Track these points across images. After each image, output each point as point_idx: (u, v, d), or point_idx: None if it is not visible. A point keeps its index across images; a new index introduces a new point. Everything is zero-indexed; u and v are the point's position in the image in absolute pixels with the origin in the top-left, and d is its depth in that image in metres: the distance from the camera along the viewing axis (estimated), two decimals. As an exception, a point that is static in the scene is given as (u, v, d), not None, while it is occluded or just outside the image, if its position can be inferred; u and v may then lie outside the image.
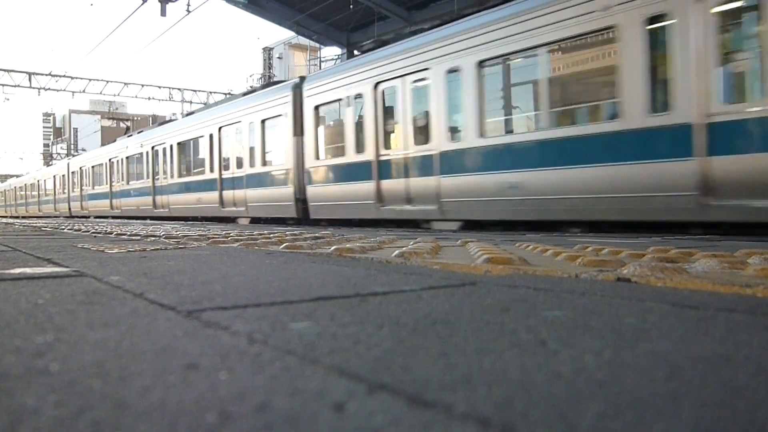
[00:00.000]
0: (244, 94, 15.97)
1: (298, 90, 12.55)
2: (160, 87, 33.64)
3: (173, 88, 33.98)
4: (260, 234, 5.86)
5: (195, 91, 34.41)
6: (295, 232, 6.80)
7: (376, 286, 1.82)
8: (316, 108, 11.99)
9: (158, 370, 0.86)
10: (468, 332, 1.13)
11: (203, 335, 1.10)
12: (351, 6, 19.13)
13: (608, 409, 0.67)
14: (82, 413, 0.67)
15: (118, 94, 32.68)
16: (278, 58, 38.71)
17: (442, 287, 1.79)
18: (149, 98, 33.39)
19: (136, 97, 33.48)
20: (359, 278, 2.02)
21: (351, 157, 11.04)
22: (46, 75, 29.91)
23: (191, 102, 33.99)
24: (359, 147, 10.83)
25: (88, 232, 6.94)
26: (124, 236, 5.68)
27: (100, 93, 32.02)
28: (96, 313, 1.35)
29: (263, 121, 13.65)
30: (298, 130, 12.42)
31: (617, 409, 0.67)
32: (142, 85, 33.06)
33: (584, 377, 0.81)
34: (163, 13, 18.05)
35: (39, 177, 36.33)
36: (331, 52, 26.79)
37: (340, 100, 11.33)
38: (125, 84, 32.43)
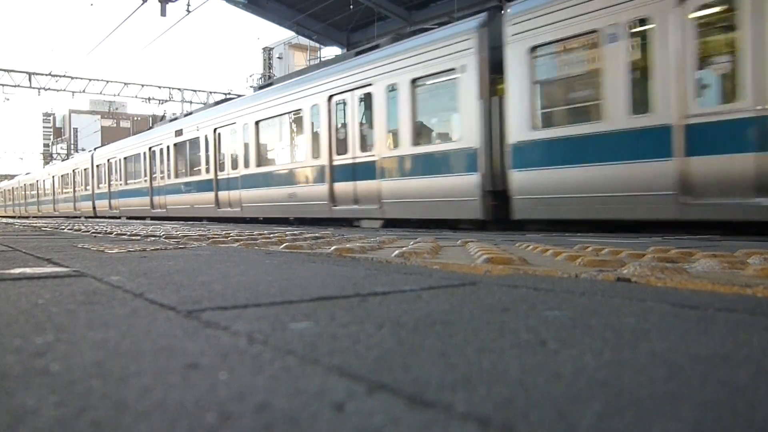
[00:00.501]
0: (359, 53, 11.37)
1: (490, 29, 8.56)
2: (160, 87, 33.68)
3: (173, 88, 34.00)
4: (260, 234, 5.86)
5: (195, 91, 34.44)
6: (295, 232, 6.79)
7: (376, 286, 1.82)
8: (534, 50, 7.88)
9: (158, 370, 0.86)
10: (468, 332, 1.13)
11: (203, 335, 1.10)
12: (351, 6, 19.14)
13: (608, 409, 0.67)
14: (82, 413, 0.67)
15: (118, 94, 32.70)
16: (278, 58, 38.71)
17: (442, 287, 1.79)
18: (149, 98, 33.41)
19: (136, 97, 33.50)
20: (359, 278, 2.02)
21: (617, 121, 6.96)
22: (46, 75, 29.92)
23: (191, 102, 34.01)
24: (639, 104, 6.77)
25: (88, 232, 6.94)
26: (124, 236, 5.68)
27: (100, 93, 32.03)
28: (96, 313, 1.35)
29: (415, 82, 9.55)
30: (488, 88, 8.53)
31: (617, 409, 0.67)
32: (142, 85, 33.09)
33: (584, 377, 0.81)
34: (163, 13, 18.02)
35: (54, 172, 32.17)
36: (331, 52, 26.80)
37: (592, 32, 7.26)
38: (125, 84, 32.45)
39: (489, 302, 1.49)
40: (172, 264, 2.61)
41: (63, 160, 35.42)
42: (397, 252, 3.13)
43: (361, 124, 10.81)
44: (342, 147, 11.05)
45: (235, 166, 14.51)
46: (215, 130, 15.33)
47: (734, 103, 6.08)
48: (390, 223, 10.48)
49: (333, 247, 3.41)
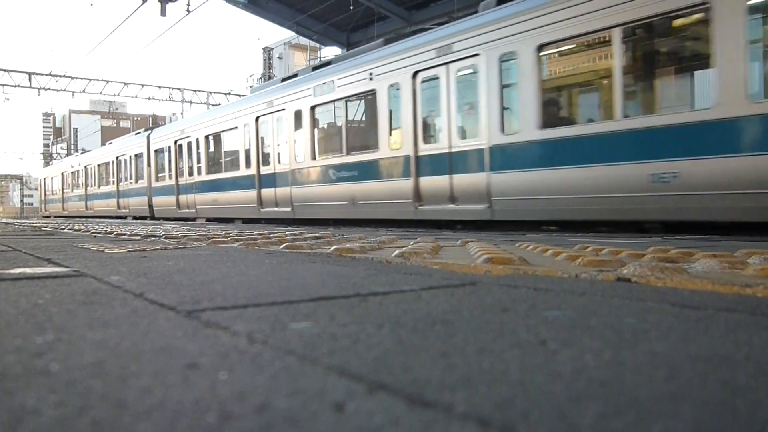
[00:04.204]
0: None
1: None
2: (160, 87, 33.65)
3: (173, 88, 33.98)
4: (260, 234, 5.86)
5: (195, 91, 34.43)
6: (295, 232, 6.79)
7: (376, 286, 1.82)
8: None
9: (158, 370, 0.86)
10: (468, 332, 1.13)
11: (203, 335, 1.10)
12: (351, 6, 19.13)
13: (608, 409, 0.67)
14: (82, 413, 0.67)
15: (118, 94, 32.67)
16: (278, 58, 38.68)
17: (442, 287, 1.79)
18: (149, 98, 33.40)
19: (136, 97, 33.49)
20: (359, 278, 2.02)
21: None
22: (46, 75, 29.89)
23: (191, 102, 34.01)
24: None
25: (88, 232, 6.94)
26: (124, 236, 5.68)
27: (100, 93, 32.00)
28: (96, 313, 1.35)
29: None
30: None
31: (617, 409, 0.67)
32: (142, 85, 33.06)
33: (584, 377, 0.81)
34: (163, 13, 17.99)
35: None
36: (331, 51, 26.80)
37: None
38: (125, 84, 32.42)
39: (489, 302, 1.49)
40: (172, 264, 2.61)
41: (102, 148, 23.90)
42: (397, 252, 3.13)
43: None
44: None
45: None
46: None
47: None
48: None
49: (333, 247, 3.41)
